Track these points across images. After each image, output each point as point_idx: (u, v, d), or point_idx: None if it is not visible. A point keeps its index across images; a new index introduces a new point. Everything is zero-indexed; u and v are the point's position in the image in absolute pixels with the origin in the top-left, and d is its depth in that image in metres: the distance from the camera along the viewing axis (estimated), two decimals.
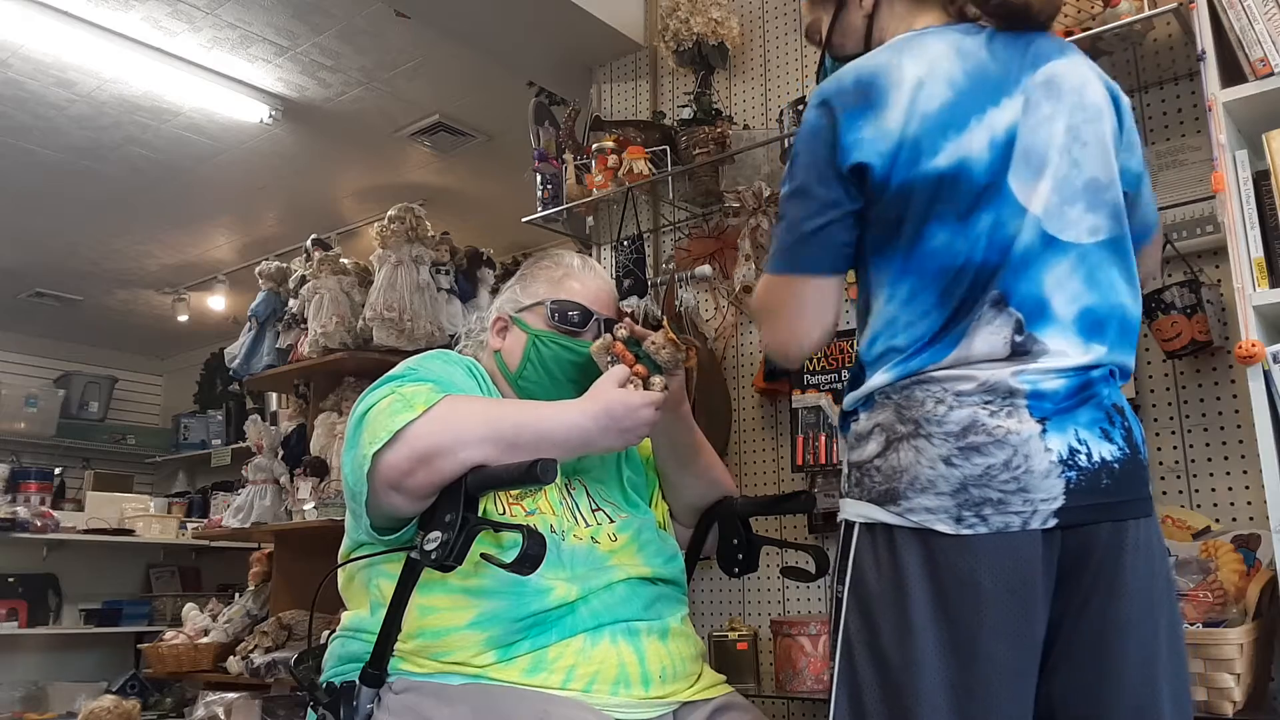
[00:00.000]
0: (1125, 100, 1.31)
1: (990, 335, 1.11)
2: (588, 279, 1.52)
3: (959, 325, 1.12)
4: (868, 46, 1.27)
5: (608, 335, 1.40)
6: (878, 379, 1.15)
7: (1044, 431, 1.08)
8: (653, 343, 1.38)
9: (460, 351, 1.54)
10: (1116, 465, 1.11)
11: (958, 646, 1.04)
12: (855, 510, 1.15)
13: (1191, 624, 1.49)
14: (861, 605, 1.10)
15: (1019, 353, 1.11)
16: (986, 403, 1.09)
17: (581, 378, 1.41)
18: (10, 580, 5.20)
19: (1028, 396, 1.09)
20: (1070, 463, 1.08)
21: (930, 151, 1.12)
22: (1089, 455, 1.09)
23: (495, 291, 2.91)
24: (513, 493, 1.35)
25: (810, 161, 1.18)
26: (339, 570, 1.38)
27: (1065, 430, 1.09)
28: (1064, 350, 1.12)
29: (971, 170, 1.12)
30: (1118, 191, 1.20)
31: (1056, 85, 1.19)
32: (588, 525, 1.38)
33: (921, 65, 1.15)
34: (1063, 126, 1.17)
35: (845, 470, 1.19)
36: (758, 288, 1.26)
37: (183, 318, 6.10)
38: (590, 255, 2.81)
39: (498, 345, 1.49)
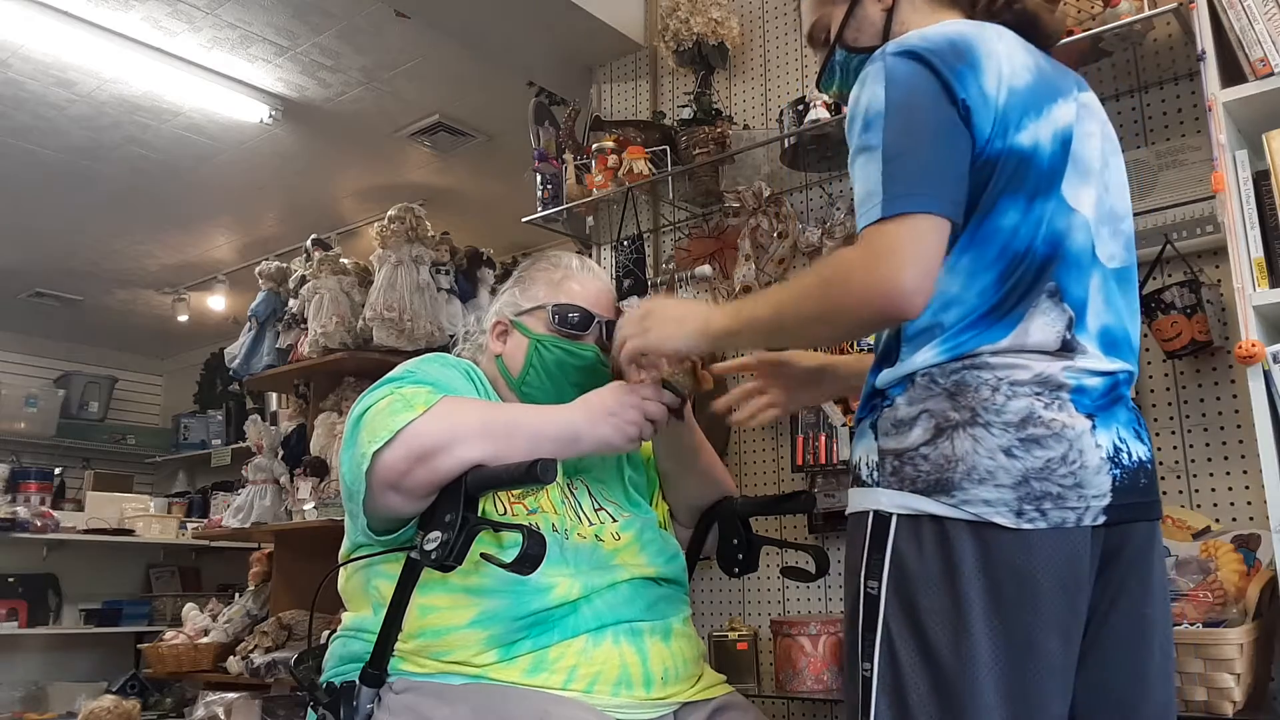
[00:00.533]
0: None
1: (1046, 326, 1.10)
2: (587, 280, 1.51)
3: (1016, 309, 1.09)
4: (885, 40, 1.24)
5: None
6: (921, 356, 1.10)
7: (1093, 428, 1.08)
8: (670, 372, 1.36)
9: (458, 354, 1.54)
10: (1149, 465, 1.14)
11: (1013, 644, 1.02)
12: (895, 500, 1.08)
13: (1191, 624, 1.49)
14: (905, 602, 1.05)
15: (1066, 349, 1.11)
16: (1039, 394, 1.07)
17: (585, 381, 1.41)
18: (10, 580, 5.20)
19: (1072, 391, 1.08)
20: (1115, 460, 1.08)
21: (1017, 126, 1.10)
22: (1129, 454, 1.10)
23: (495, 292, 2.91)
24: (514, 492, 1.35)
25: (920, 101, 1.08)
26: (338, 570, 1.38)
27: (1110, 427, 1.10)
28: (1095, 355, 1.13)
29: (1041, 157, 1.11)
30: (1131, 225, 1.24)
31: (1093, 110, 1.21)
32: (590, 524, 1.39)
33: (1004, 44, 1.14)
34: (1099, 149, 1.19)
35: (873, 458, 1.12)
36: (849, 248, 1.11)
37: (183, 318, 6.10)
38: (590, 255, 2.81)
39: (498, 350, 1.49)
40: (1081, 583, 1.06)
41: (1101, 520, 1.06)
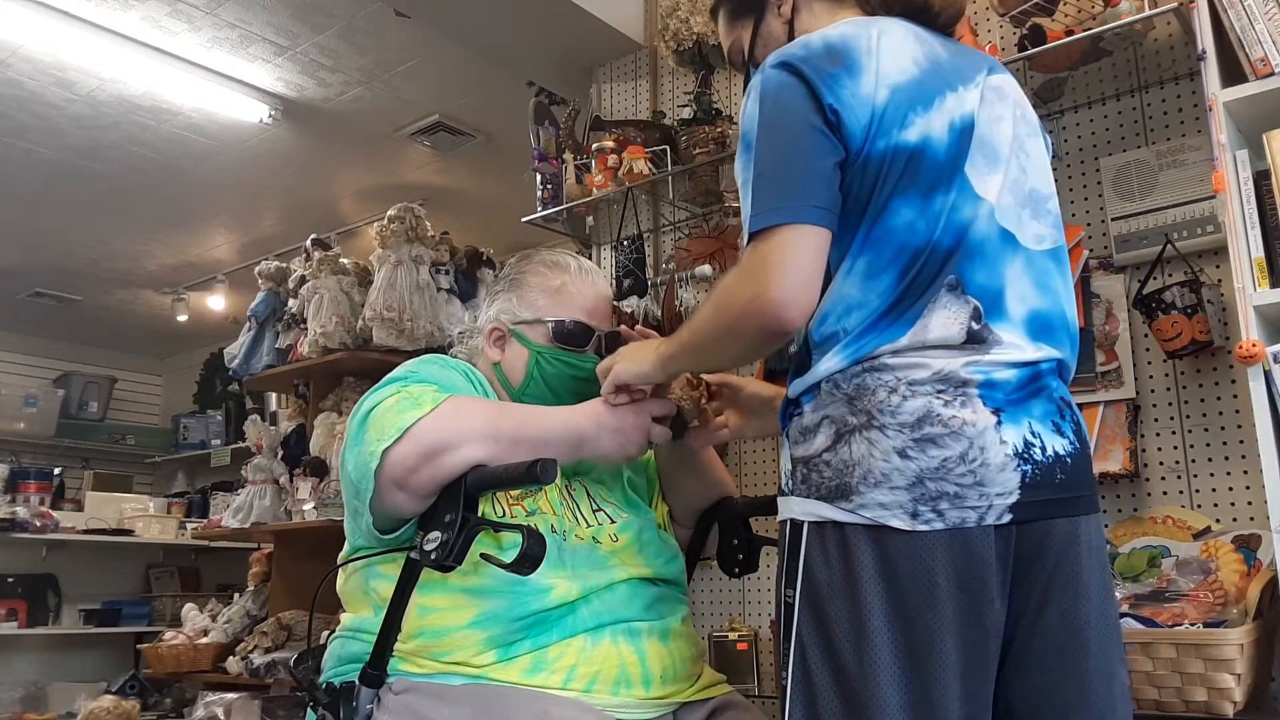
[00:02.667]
0: (1049, 139, 1.32)
1: (947, 319, 1.08)
2: (585, 288, 1.49)
3: (914, 306, 1.08)
4: None
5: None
6: (826, 364, 1.11)
7: (999, 423, 1.06)
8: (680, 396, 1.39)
9: (453, 355, 1.54)
10: (1069, 459, 1.09)
11: (913, 648, 1.01)
12: (803, 508, 1.09)
13: (1192, 624, 1.49)
14: (814, 609, 1.06)
15: (974, 341, 1.08)
16: (940, 392, 1.06)
17: (584, 391, 1.41)
18: (10, 580, 5.20)
19: (980, 386, 1.06)
20: (1025, 456, 1.06)
21: (900, 124, 1.09)
22: (1043, 448, 1.07)
23: None
24: (513, 493, 1.35)
25: (785, 115, 1.10)
26: (338, 571, 1.38)
27: (1019, 422, 1.07)
28: (1017, 344, 1.10)
29: (934, 150, 1.10)
30: (1056, 205, 1.22)
31: (1004, 93, 1.20)
32: (589, 525, 1.38)
33: (887, 40, 1.14)
34: (1011, 132, 1.17)
35: (788, 466, 1.14)
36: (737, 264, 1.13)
37: (182, 318, 6.10)
38: (590, 255, 2.81)
39: (496, 357, 1.48)
40: (985, 584, 1.03)
41: (1008, 519, 1.04)
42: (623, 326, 1.47)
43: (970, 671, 1.03)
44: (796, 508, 1.10)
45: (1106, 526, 1.87)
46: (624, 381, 1.31)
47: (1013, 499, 1.04)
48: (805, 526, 1.09)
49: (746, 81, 1.34)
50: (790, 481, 1.13)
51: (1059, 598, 1.07)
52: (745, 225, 1.10)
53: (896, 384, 1.06)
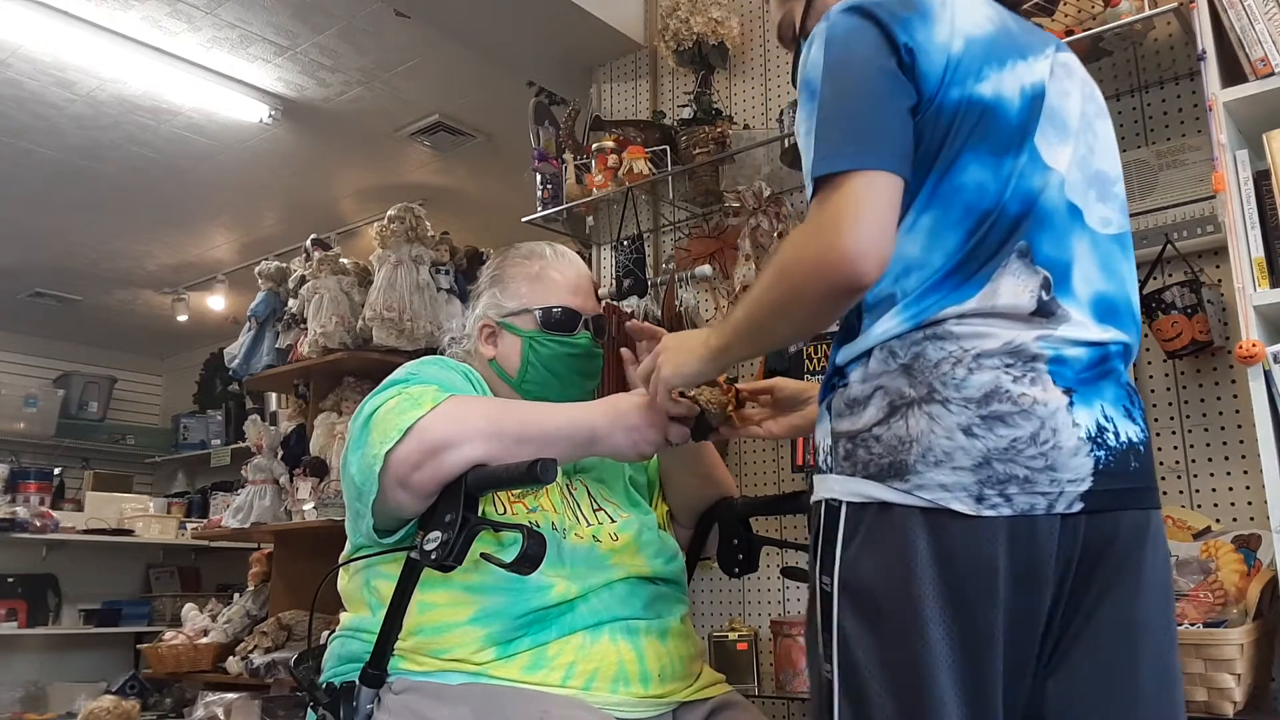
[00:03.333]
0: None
1: (1017, 286, 1.00)
2: (565, 268, 1.50)
3: (983, 268, 1.01)
4: None
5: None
6: (881, 327, 1.02)
7: (1071, 404, 0.98)
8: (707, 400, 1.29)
9: (451, 356, 1.54)
10: (1142, 448, 1.03)
11: (972, 643, 0.94)
12: (846, 487, 1.00)
13: (1192, 624, 1.49)
14: (858, 599, 0.98)
15: (1044, 313, 1.01)
16: (1009, 366, 0.98)
17: (584, 367, 1.42)
18: (10, 580, 5.20)
19: (1050, 362, 0.99)
20: (1099, 441, 0.98)
21: (976, 75, 1.03)
22: (1116, 434, 1.00)
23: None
24: (514, 491, 1.35)
25: (855, 58, 1.02)
26: (338, 571, 1.38)
27: (1092, 404, 1.00)
28: (1084, 324, 1.03)
29: (1007, 110, 1.04)
30: (1123, 189, 1.16)
31: (1072, 70, 1.14)
32: (589, 524, 1.38)
33: None
34: (1079, 109, 1.11)
35: (827, 442, 1.05)
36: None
37: (182, 318, 6.09)
38: (590, 255, 2.81)
39: (491, 353, 1.48)
40: (1044, 577, 0.96)
41: (1079, 508, 0.96)
42: (632, 322, 1.46)
43: (1026, 670, 0.98)
44: (837, 487, 1.01)
45: None
46: (674, 386, 1.21)
47: (1085, 486, 0.97)
48: (844, 507, 1.00)
49: (794, 59, 1.27)
50: (830, 458, 1.03)
51: (1117, 595, 1.00)
52: (808, 176, 1.01)
53: (962, 355, 0.98)
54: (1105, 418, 1.00)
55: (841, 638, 0.98)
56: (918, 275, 1.01)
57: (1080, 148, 1.10)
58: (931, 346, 0.99)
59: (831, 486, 1.03)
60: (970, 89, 1.03)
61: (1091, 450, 0.98)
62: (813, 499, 1.07)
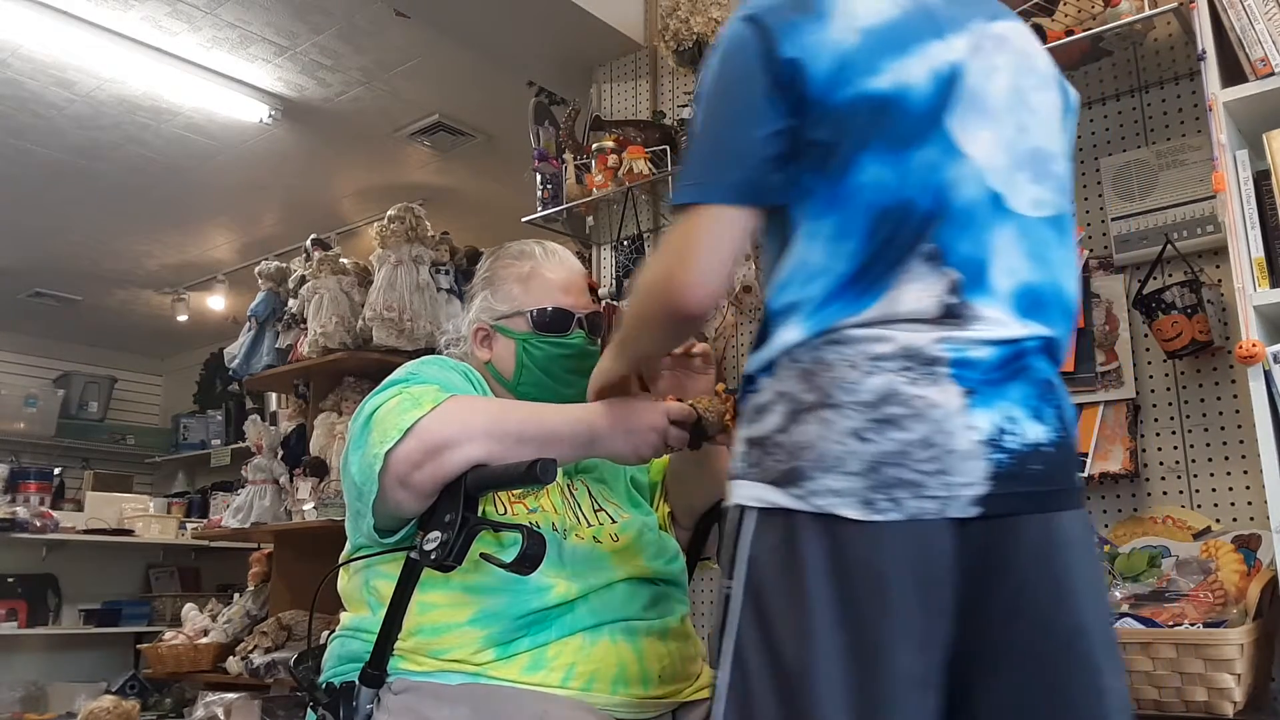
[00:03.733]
0: (1073, 94, 1.19)
1: (920, 292, 0.98)
2: (555, 268, 1.49)
3: (885, 275, 0.99)
4: None
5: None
6: (784, 336, 1.01)
7: (969, 406, 0.95)
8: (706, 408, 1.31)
9: (449, 356, 1.53)
10: (1049, 448, 0.98)
11: (862, 652, 0.91)
12: (750, 493, 0.99)
13: (1192, 624, 1.49)
14: (756, 605, 0.96)
15: (950, 316, 0.98)
16: (906, 369, 0.96)
17: (579, 366, 1.42)
18: (10, 580, 5.20)
19: (951, 364, 0.96)
20: (997, 443, 0.95)
21: (870, 70, 1.00)
22: (1019, 436, 0.96)
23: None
24: (514, 492, 1.34)
25: (731, 77, 1.04)
26: (338, 571, 1.38)
27: (993, 405, 0.96)
28: (1001, 321, 0.99)
29: (910, 99, 1.00)
30: (1064, 166, 1.10)
31: (1008, 42, 1.08)
32: (590, 525, 1.38)
33: None
34: (1009, 84, 1.06)
35: (741, 448, 1.04)
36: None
37: (182, 318, 6.09)
38: (590, 255, 2.81)
39: (486, 356, 1.48)
40: (942, 584, 0.93)
41: (974, 512, 0.93)
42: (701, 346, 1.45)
43: (925, 681, 0.93)
44: (744, 492, 1.01)
45: (1106, 527, 1.87)
46: (596, 386, 1.28)
47: (980, 490, 0.93)
48: (751, 514, 0.99)
49: None
50: (741, 464, 1.03)
51: (1035, 602, 0.95)
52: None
53: (858, 359, 0.97)
54: (1008, 419, 0.96)
55: (739, 643, 0.97)
56: (821, 282, 1.00)
57: (1007, 128, 1.05)
58: (830, 351, 0.98)
59: (740, 492, 1.02)
60: (862, 86, 1.00)
61: (988, 453, 0.94)
62: (724, 504, 1.07)
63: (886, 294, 0.98)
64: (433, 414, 1.22)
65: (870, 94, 1.00)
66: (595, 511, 1.42)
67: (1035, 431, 0.98)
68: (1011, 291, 1.01)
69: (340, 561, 1.36)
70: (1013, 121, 1.05)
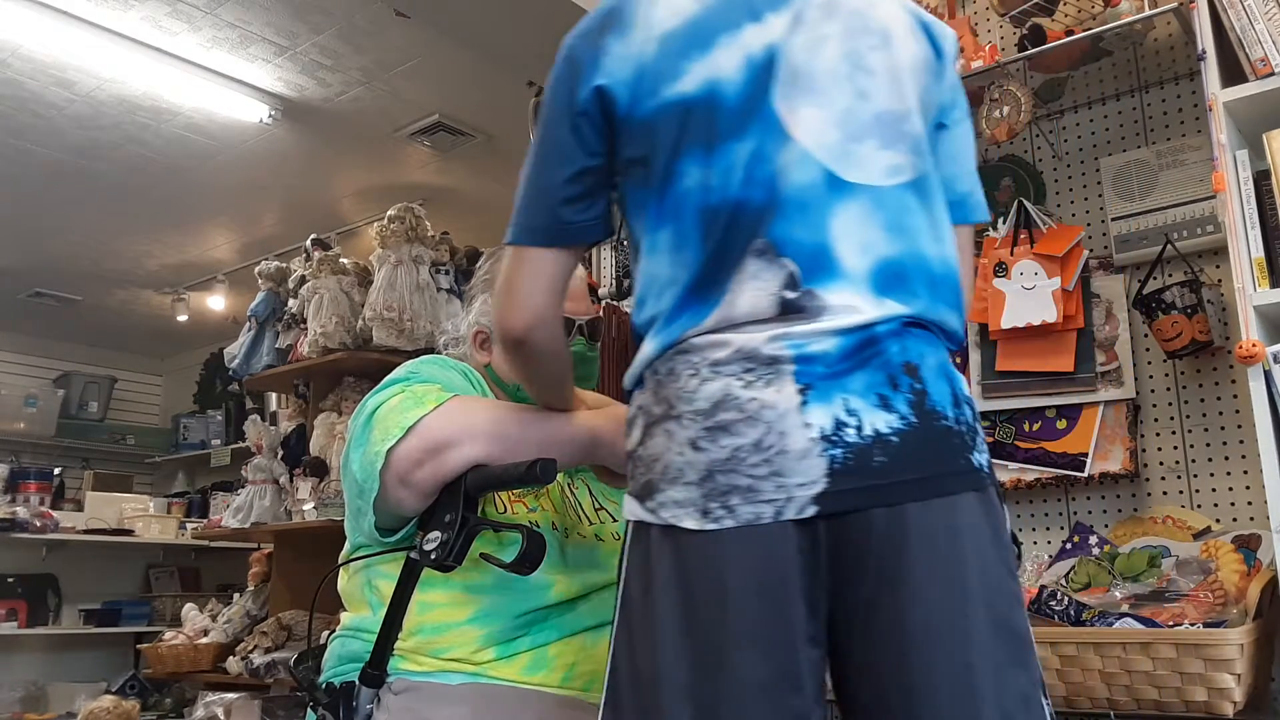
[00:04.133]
0: (945, 34, 1.12)
1: (755, 292, 0.95)
2: None
3: (721, 281, 0.97)
4: None
5: None
6: (645, 350, 1.01)
7: (804, 403, 0.92)
8: None
9: (448, 356, 1.53)
10: (895, 438, 0.92)
11: (703, 658, 0.90)
12: (626, 507, 1.00)
13: (1192, 624, 1.49)
14: (625, 614, 0.97)
15: (791, 311, 0.95)
16: (746, 371, 0.93)
17: (579, 373, 1.41)
18: (10, 580, 5.20)
19: (794, 361, 0.93)
20: (835, 438, 0.91)
21: (671, 75, 0.99)
22: (860, 428, 0.91)
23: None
24: (515, 491, 1.34)
25: (546, 115, 1.06)
26: (338, 571, 1.38)
27: (831, 400, 0.92)
28: (852, 306, 0.95)
29: (724, 94, 0.98)
30: (917, 122, 1.04)
31: (838, 6, 1.04)
32: (591, 524, 1.39)
33: None
34: (841, 51, 1.02)
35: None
36: None
37: (182, 318, 6.09)
38: (590, 255, 2.80)
39: (486, 359, 1.48)
40: (787, 586, 0.90)
41: (812, 512, 0.90)
42: None
43: (777, 684, 0.90)
44: (624, 506, 1.01)
45: (1106, 527, 1.88)
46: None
47: (817, 489, 0.90)
48: (629, 527, 1.00)
49: None
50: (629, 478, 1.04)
51: (888, 598, 0.91)
52: None
53: (700, 366, 0.95)
54: (848, 412, 0.92)
55: (614, 651, 0.98)
56: (670, 294, 1.00)
57: (842, 99, 1.00)
58: (679, 361, 0.97)
59: (624, 506, 1.03)
60: (666, 94, 1.00)
61: (825, 450, 0.91)
62: None
63: (724, 299, 0.96)
64: (435, 413, 1.22)
65: (674, 100, 0.99)
66: (596, 510, 1.42)
67: (879, 421, 0.92)
68: (869, 270, 0.97)
69: (340, 561, 1.36)
70: (849, 90, 1.01)
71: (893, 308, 0.96)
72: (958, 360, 1.09)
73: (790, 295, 0.95)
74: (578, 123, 1.04)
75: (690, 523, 0.92)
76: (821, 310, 0.95)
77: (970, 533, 0.93)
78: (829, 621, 0.93)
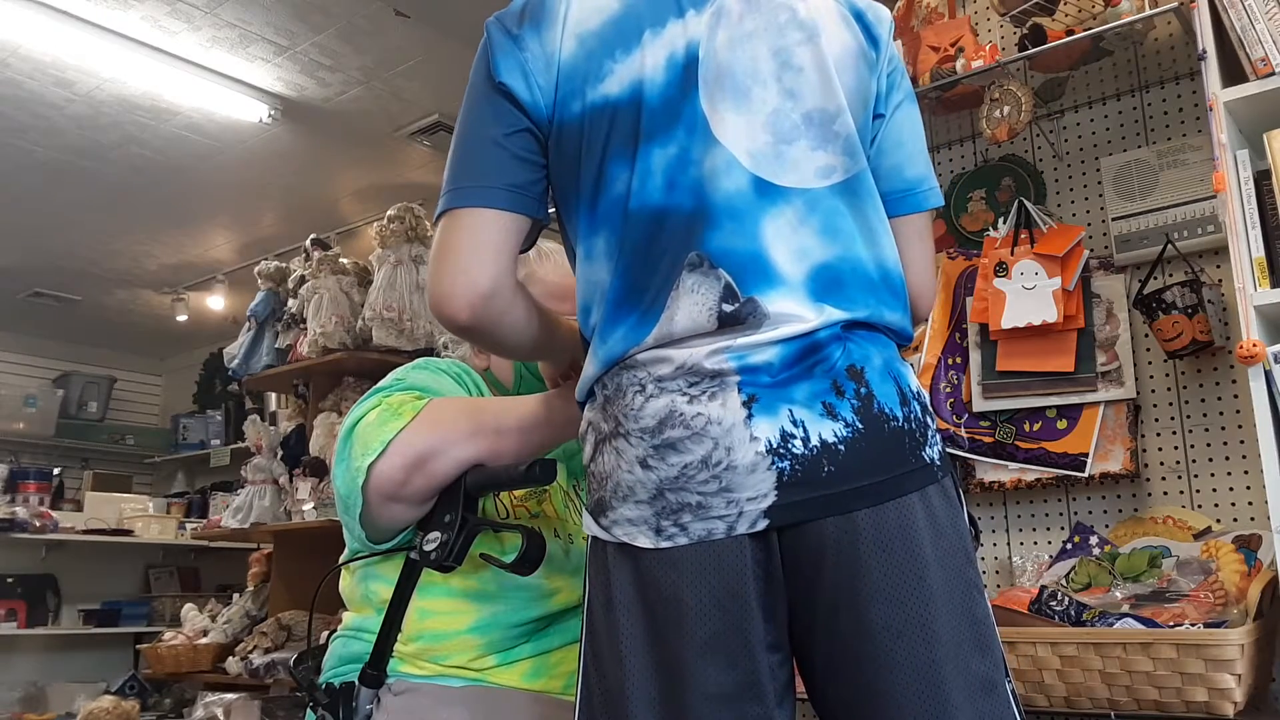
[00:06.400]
0: (879, 18, 1.08)
1: (692, 306, 0.93)
2: (550, 271, 1.46)
3: (659, 295, 0.94)
4: None
5: None
6: (590, 366, 0.99)
7: (750, 416, 0.90)
8: None
9: (449, 358, 1.52)
10: (843, 447, 0.90)
11: (665, 671, 0.90)
12: (584, 522, 1.00)
13: (1192, 624, 1.49)
14: (590, 629, 0.97)
15: (731, 323, 0.92)
16: (691, 385, 0.92)
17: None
18: (9, 581, 5.19)
19: (738, 372, 0.91)
20: (782, 451, 0.89)
21: (595, 77, 0.97)
22: (806, 439, 0.90)
23: None
24: (517, 494, 1.34)
25: (471, 89, 1.04)
26: (338, 572, 1.38)
27: (776, 412, 0.90)
28: (792, 314, 0.93)
29: (647, 95, 0.96)
30: (849, 120, 1.00)
31: (759, 4, 1.01)
32: None
33: None
34: (767, 49, 0.98)
35: None
36: None
37: (182, 318, 6.09)
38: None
39: (484, 363, 1.46)
40: (743, 600, 0.90)
41: (763, 525, 0.89)
42: None
43: (739, 695, 0.90)
44: (584, 521, 1.01)
45: (1107, 527, 1.87)
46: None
47: (767, 503, 0.89)
48: (588, 541, 1.00)
49: None
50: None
51: (847, 602, 0.90)
52: None
53: (645, 381, 0.93)
54: (793, 423, 0.90)
55: (583, 663, 0.98)
56: (610, 303, 0.97)
57: (770, 99, 0.97)
58: (625, 377, 0.95)
59: (583, 521, 1.02)
60: (590, 96, 0.97)
61: (773, 463, 0.89)
62: None
63: (663, 314, 0.94)
64: (411, 426, 1.20)
65: (599, 103, 0.97)
66: None
67: (825, 430, 0.91)
68: (805, 276, 0.94)
69: (339, 562, 1.36)
70: (776, 89, 0.98)
71: (832, 313, 0.94)
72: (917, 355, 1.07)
73: (729, 307, 0.93)
74: (500, 96, 1.01)
75: (644, 541, 0.92)
76: (762, 320, 0.93)
77: (925, 529, 0.92)
78: (790, 625, 0.93)
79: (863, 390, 0.93)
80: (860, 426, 0.92)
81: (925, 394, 1.00)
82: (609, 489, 0.95)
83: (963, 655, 0.90)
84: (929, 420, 0.97)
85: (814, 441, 0.90)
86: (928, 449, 0.95)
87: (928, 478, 0.94)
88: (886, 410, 0.93)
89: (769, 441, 0.90)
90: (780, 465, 0.89)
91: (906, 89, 1.10)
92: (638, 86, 0.96)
